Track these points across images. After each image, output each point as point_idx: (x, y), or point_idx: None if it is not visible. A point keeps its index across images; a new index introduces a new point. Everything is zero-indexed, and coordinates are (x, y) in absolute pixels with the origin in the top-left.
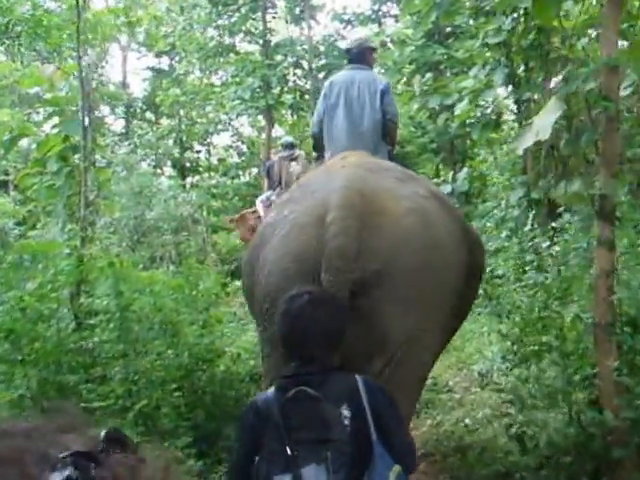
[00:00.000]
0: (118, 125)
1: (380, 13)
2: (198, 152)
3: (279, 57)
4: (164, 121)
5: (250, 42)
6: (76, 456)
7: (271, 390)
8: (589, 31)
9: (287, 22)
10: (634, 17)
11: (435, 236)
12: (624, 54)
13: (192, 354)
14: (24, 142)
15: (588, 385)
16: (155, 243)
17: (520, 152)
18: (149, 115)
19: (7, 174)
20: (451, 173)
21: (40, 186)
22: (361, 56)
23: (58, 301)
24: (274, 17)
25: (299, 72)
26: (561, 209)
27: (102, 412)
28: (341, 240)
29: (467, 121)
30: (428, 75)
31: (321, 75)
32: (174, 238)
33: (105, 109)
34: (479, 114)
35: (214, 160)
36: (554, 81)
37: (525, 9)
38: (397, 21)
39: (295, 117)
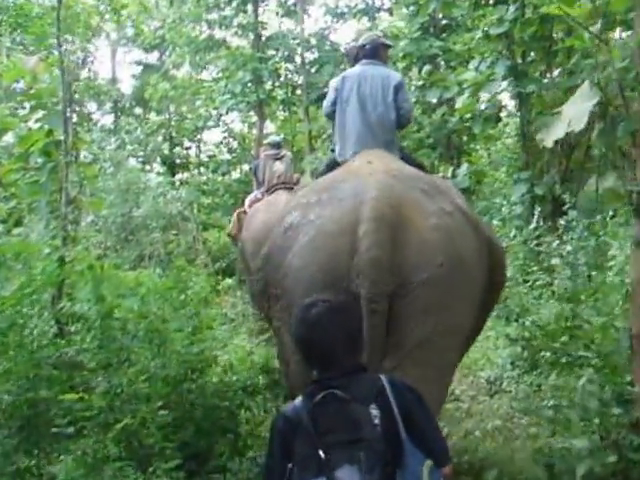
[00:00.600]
0: (106, 121)
1: (374, 7)
2: (188, 148)
3: (271, 51)
4: (153, 116)
5: (241, 36)
6: None
7: (298, 399)
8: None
9: (279, 15)
10: None
11: (459, 253)
12: None
13: (180, 364)
14: (9, 137)
15: (624, 404)
16: (143, 241)
17: (550, 145)
18: (138, 111)
19: None
20: (450, 169)
21: (23, 182)
22: (375, 52)
23: (33, 304)
24: (265, 10)
25: (291, 66)
26: (567, 206)
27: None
28: (375, 252)
29: (466, 115)
30: (427, 67)
31: (313, 69)
32: (163, 236)
33: (93, 105)
34: (480, 108)
35: (204, 157)
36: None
37: None
38: (391, 14)
39: (287, 113)
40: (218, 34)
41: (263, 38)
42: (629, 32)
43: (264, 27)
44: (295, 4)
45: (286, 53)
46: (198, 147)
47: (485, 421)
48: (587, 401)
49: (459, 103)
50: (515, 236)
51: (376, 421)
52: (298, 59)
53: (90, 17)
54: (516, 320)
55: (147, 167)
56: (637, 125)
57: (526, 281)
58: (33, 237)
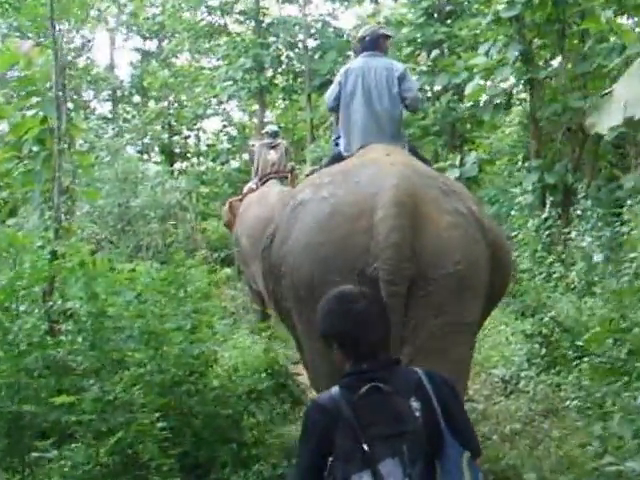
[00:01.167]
0: (104, 109)
1: None
2: (187, 137)
3: (272, 38)
4: (152, 105)
5: (242, 23)
6: None
7: (334, 389)
8: None
9: (280, 1)
10: None
11: (473, 253)
12: None
13: (178, 367)
14: (2, 125)
15: None
16: (140, 232)
17: (604, 131)
18: (137, 99)
19: None
20: (458, 157)
21: (16, 171)
22: (375, 43)
23: (22, 301)
24: None
25: (293, 53)
26: (581, 195)
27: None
28: (396, 236)
29: (474, 102)
30: (435, 52)
31: (316, 56)
32: (161, 226)
33: (91, 93)
34: (491, 94)
35: (204, 146)
36: None
37: None
38: (395, 0)
39: (288, 101)
40: (218, 20)
41: (264, 24)
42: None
43: (265, 13)
44: None
45: (288, 39)
46: (197, 136)
47: (502, 424)
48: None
49: (468, 89)
50: (522, 226)
51: (417, 414)
52: (300, 45)
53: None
54: (532, 315)
55: (145, 156)
56: None
57: (540, 273)
58: (28, 228)
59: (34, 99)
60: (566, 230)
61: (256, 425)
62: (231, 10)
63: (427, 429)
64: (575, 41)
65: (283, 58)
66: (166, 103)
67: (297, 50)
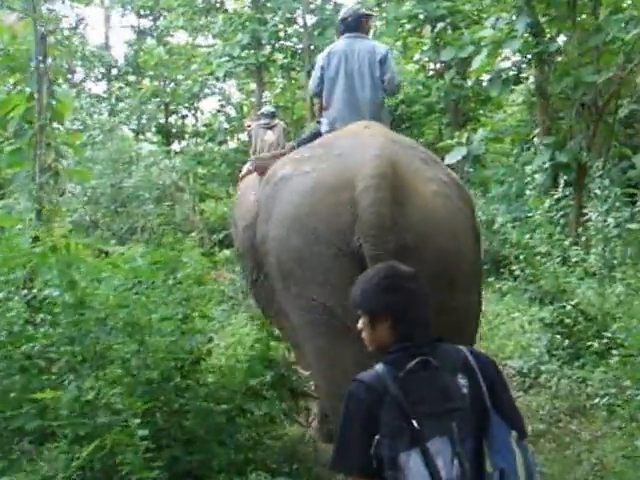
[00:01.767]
0: (99, 89)
1: None
2: (184, 117)
3: (270, 14)
4: (147, 83)
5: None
6: None
7: (379, 366)
8: None
9: None
10: None
11: (458, 221)
12: None
13: (167, 361)
14: None
15: None
16: (135, 213)
17: None
18: (132, 78)
19: None
20: (465, 135)
21: (1, 151)
22: (357, 24)
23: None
24: None
25: (291, 30)
26: (597, 174)
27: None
28: (377, 209)
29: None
30: (440, 25)
31: (315, 33)
32: (156, 208)
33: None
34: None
35: (201, 126)
36: None
37: None
38: None
39: (286, 80)
40: None
41: (262, 0)
42: None
43: None
44: None
45: (287, 15)
46: (194, 115)
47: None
48: None
49: (475, 63)
50: (538, 207)
51: (464, 390)
52: (299, 22)
53: None
54: (551, 302)
55: (141, 136)
56: None
57: (557, 257)
58: (20, 210)
59: (20, 75)
60: (584, 211)
61: (254, 425)
62: None
63: (474, 407)
64: (587, 12)
65: (281, 34)
66: (161, 82)
67: (296, 26)
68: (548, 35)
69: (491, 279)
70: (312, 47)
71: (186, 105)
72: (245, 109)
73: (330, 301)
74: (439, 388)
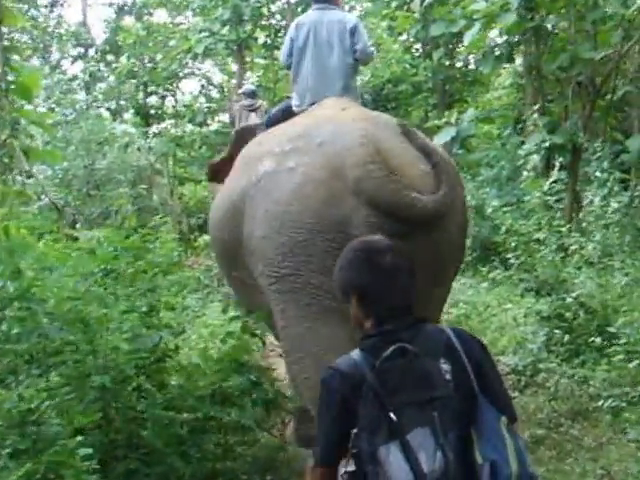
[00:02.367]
0: (76, 69)
1: None
2: (164, 97)
3: None
4: (124, 60)
5: None
6: None
7: (355, 352)
8: None
9: None
10: None
11: (456, 197)
12: None
13: (124, 363)
14: None
15: None
16: (108, 196)
17: None
18: (110, 57)
19: None
20: (455, 115)
21: None
22: None
23: None
24: None
25: (274, 7)
26: (595, 156)
27: None
28: (391, 187)
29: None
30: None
31: (299, 9)
32: (131, 191)
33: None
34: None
35: (181, 108)
36: None
37: None
38: None
39: (268, 60)
40: None
41: None
42: None
43: None
44: None
45: None
46: (174, 97)
47: (520, 427)
48: None
49: (467, 37)
50: (536, 190)
51: (447, 376)
52: None
53: None
54: (548, 294)
55: (119, 117)
56: None
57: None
58: None
59: None
60: (580, 195)
61: (222, 435)
62: None
63: (459, 393)
64: None
65: (264, 11)
66: (139, 60)
67: (279, 3)
68: (544, 9)
69: (481, 267)
70: None
71: (166, 86)
72: (226, 90)
73: (326, 295)
74: (419, 376)
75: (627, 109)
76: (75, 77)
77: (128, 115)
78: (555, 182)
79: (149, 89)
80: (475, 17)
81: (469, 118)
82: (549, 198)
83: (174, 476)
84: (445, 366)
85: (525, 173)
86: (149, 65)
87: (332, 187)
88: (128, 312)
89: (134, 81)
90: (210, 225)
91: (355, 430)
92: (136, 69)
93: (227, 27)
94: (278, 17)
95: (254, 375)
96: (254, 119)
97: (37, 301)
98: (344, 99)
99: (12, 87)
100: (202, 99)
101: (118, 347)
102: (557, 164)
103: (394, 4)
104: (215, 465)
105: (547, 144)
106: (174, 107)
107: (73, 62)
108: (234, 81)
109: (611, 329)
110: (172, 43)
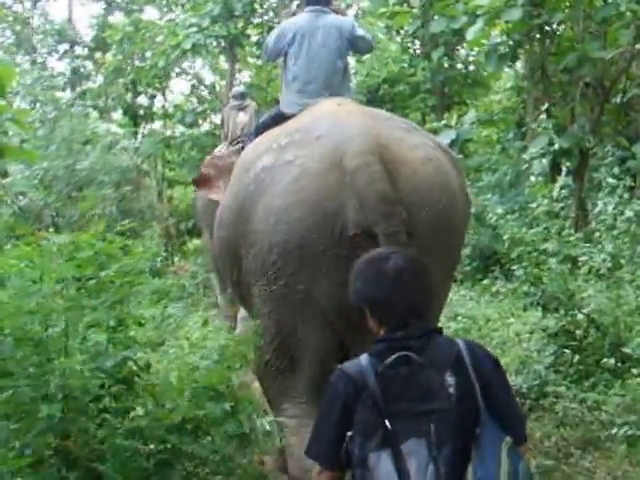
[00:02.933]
0: (62, 66)
1: None
2: (153, 97)
3: None
4: (109, 57)
5: None
6: None
7: (364, 357)
8: None
9: None
10: None
11: (451, 186)
12: None
13: (83, 388)
14: None
15: None
16: (89, 198)
17: None
18: (98, 55)
19: None
20: (455, 117)
21: None
22: None
23: None
24: None
25: (266, 4)
26: (606, 160)
27: None
28: (379, 186)
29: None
30: None
31: (294, 7)
32: (115, 193)
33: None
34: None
35: (170, 108)
36: None
37: None
38: None
39: (261, 59)
40: None
41: None
42: None
43: None
44: None
45: None
46: (164, 96)
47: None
48: None
49: (470, 34)
50: (544, 196)
51: (451, 390)
52: None
53: None
54: (556, 309)
55: (106, 117)
56: None
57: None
58: None
59: None
60: (588, 203)
61: (193, 470)
62: None
63: (461, 408)
64: None
65: (256, 7)
66: (126, 57)
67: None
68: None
69: (481, 278)
70: None
71: (155, 85)
72: (218, 88)
73: (321, 292)
74: (420, 386)
75: (632, 113)
76: (58, 74)
77: (117, 115)
78: (562, 188)
79: (138, 88)
80: (478, 13)
81: (470, 120)
82: (556, 205)
83: None
84: (450, 379)
85: (532, 178)
86: (137, 63)
87: (328, 178)
88: (92, 326)
89: (122, 80)
90: (216, 226)
91: (350, 433)
92: (124, 66)
93: (218, 23)
94: (272, 14)
95: (229, 404)
96: (242, 117)
97: None
98: (339, 98)
99: None
100: (193, 99)
101: (75, 369)
102: (564, 169)
103: (392, 0)
104: None
105: (555, 147)
106: (164, 107)
107: (59, 59)
108: (224, 82)
109: (626, 349)
110: (159, 39)
